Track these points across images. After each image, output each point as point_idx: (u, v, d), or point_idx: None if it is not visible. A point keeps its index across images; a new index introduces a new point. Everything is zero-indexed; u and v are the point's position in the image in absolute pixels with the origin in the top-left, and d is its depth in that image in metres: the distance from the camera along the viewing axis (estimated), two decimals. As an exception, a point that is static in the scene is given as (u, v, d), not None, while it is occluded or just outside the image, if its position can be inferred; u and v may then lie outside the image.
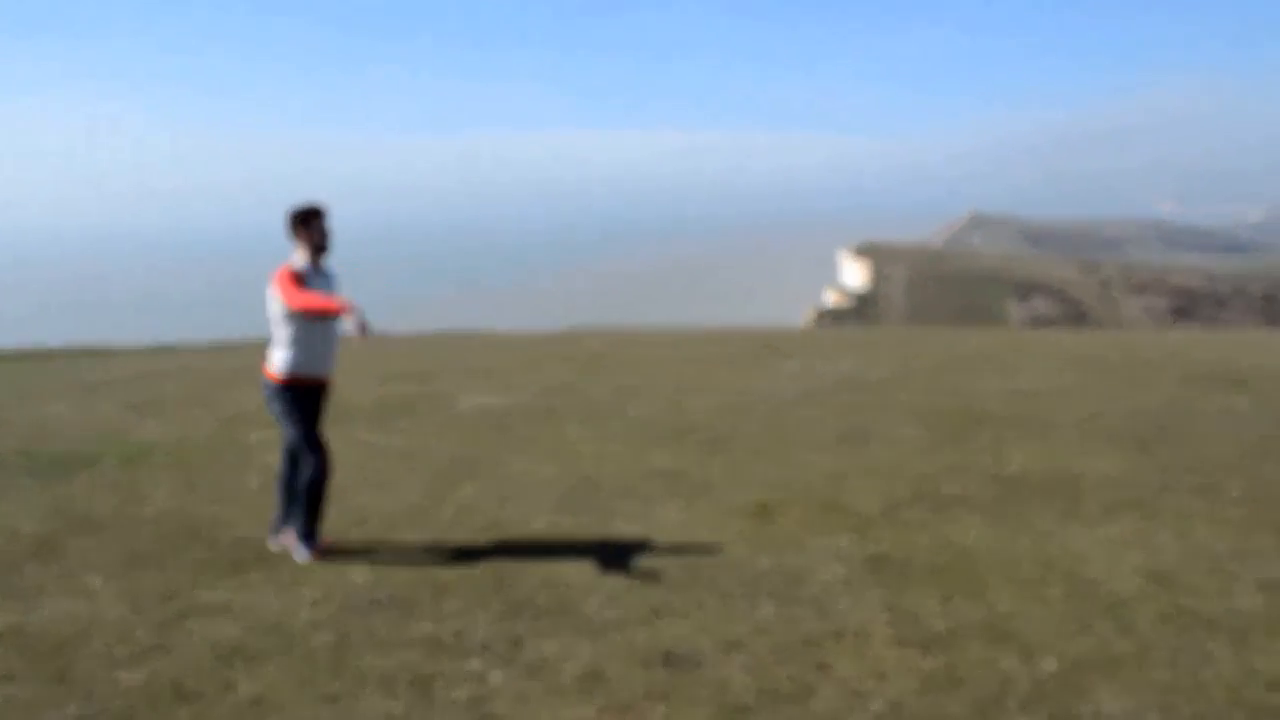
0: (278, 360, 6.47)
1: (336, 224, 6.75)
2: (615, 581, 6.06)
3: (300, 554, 6.56)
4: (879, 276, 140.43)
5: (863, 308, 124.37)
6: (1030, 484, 8.36)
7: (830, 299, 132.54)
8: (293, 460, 6.72)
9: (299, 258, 6.49)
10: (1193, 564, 6.31)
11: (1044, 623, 5.41)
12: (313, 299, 6.22)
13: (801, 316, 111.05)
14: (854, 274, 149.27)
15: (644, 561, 6.42)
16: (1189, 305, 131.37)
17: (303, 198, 7.06)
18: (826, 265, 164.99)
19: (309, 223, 6.49)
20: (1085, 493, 8.06)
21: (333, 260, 6.72)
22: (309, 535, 6.61)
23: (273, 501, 7.38)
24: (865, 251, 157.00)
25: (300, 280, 6.38)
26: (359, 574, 6.23)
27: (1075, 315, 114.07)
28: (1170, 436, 10.17)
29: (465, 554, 6.60)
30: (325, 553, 6.63)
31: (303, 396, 6.52)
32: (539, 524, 7.27)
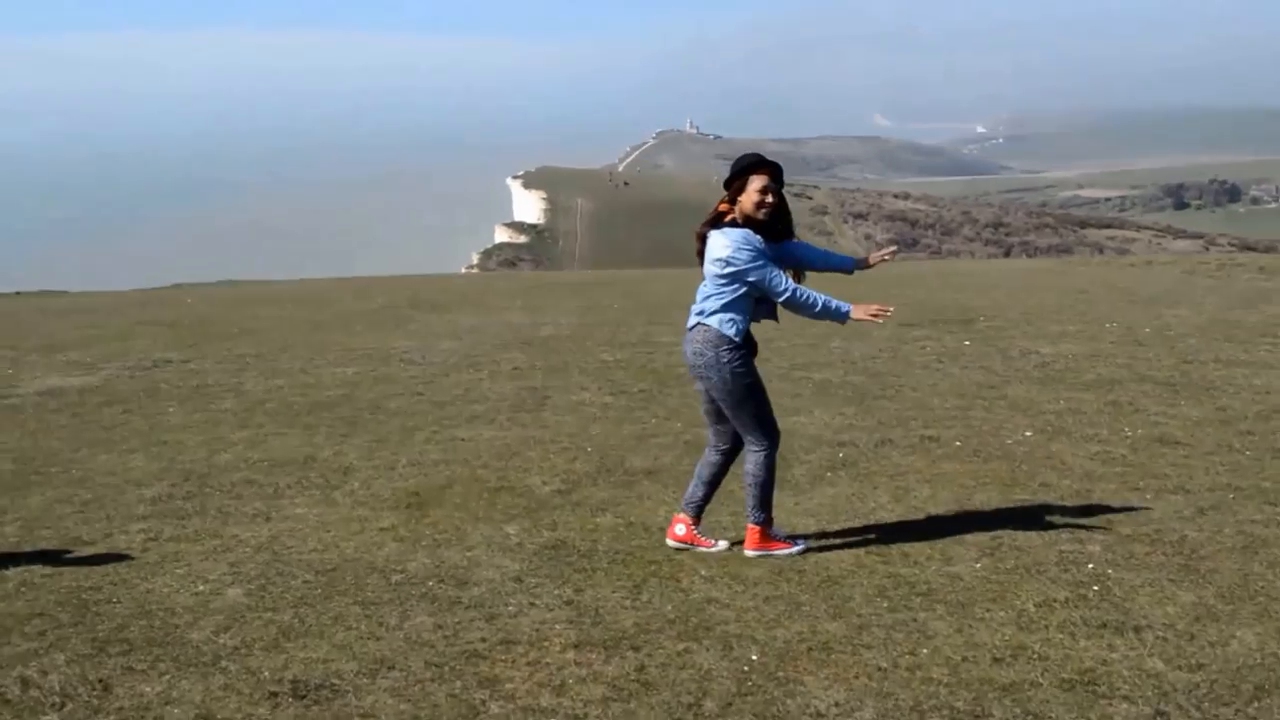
0: None
1: None
2: (231, 601, 5.90)
3: None
4: (556, 209, 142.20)
5: (538, 247, 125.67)
6: (731, 448, 8.71)
7: (499, 238, 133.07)
8: None
9: None
10: (911, 529, 6.78)
11: (746, 609, 5.66)
12: None
13: (465, 261, 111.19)
14: (527, 207, 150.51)
15: (267, 573, 6.29)
16: (910, 234, 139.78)
17: None
18: (497, 197, 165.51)
19: None
20: (793, 455, 8.49)
21: None
22: None
23: None
24: (538, 180, 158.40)
25: None
26: (-116, 618, 5.80)
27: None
28: (887, 386, 10.86)
29: (34, 581, 6.25)
30: None
31: None
32: (131, 536, 6.99)
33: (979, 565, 6.19)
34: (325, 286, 24.71)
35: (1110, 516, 6.94)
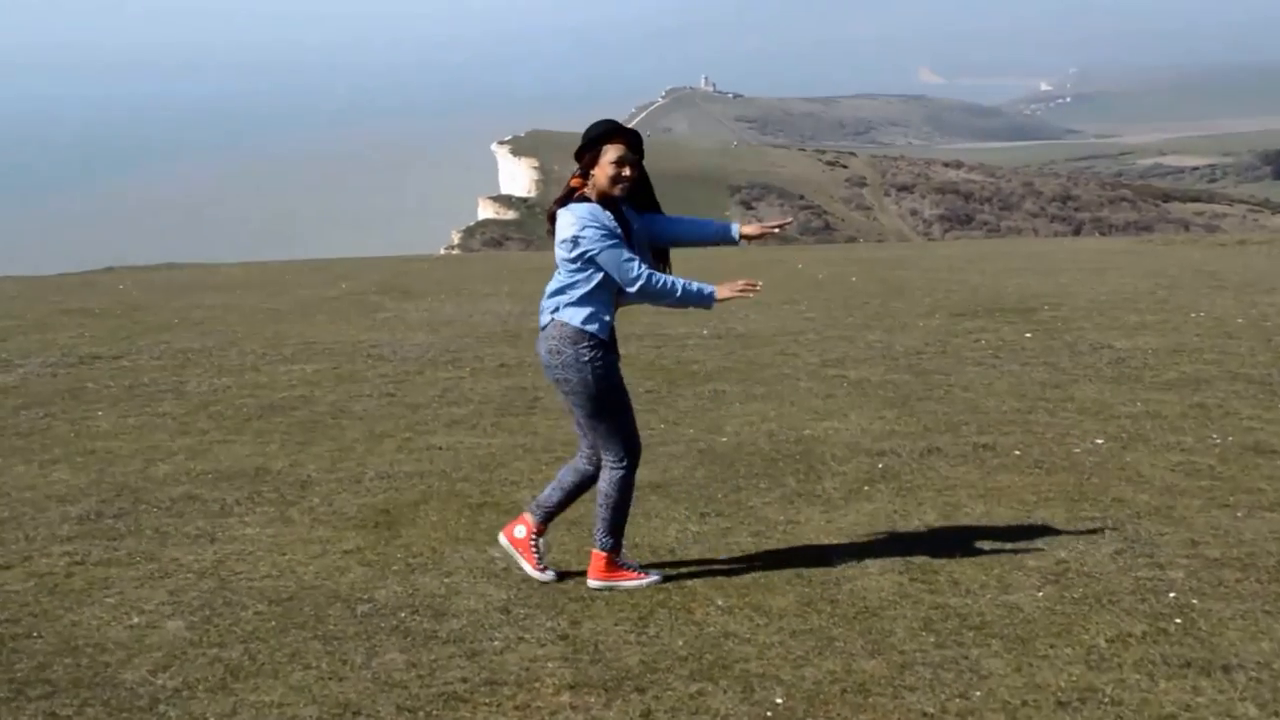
0: None
1: None
2: (171, 635, 5.91)
3: None
4: (549, 180, 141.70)
5: (528, 224, 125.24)
6: (752, 457, 8.74)
7: (483, 213, 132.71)
8: None
9: None
10: (962, 551, 6.77)
11: (770, 645, 5.65)
12: None
13: (444, 241, 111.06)
14: (515, 178, 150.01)
15: (212, 602, 6.30)
16: (964, 208, 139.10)
17: None
18: (480, 166, 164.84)
19: None
20: (824, 466, 8.50)
21: None
22: None
23: None
24: (529, 146, 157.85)
25: None
26: None
27: (817, 226, 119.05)
28: (935, 386, 10.85)
29: (-61, 611, 6.29)
30: None
31: None
32: (54, 560, 7.00)
33: (1041, 594, 6.17)
34: (280, 270, 24.70)
35: (1195, 537, 6.91)
